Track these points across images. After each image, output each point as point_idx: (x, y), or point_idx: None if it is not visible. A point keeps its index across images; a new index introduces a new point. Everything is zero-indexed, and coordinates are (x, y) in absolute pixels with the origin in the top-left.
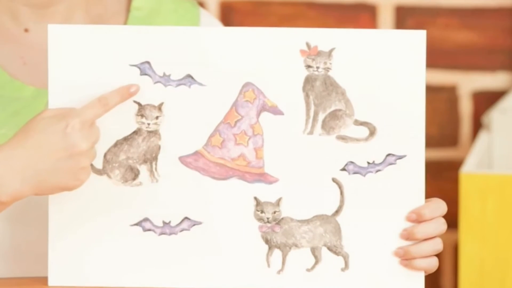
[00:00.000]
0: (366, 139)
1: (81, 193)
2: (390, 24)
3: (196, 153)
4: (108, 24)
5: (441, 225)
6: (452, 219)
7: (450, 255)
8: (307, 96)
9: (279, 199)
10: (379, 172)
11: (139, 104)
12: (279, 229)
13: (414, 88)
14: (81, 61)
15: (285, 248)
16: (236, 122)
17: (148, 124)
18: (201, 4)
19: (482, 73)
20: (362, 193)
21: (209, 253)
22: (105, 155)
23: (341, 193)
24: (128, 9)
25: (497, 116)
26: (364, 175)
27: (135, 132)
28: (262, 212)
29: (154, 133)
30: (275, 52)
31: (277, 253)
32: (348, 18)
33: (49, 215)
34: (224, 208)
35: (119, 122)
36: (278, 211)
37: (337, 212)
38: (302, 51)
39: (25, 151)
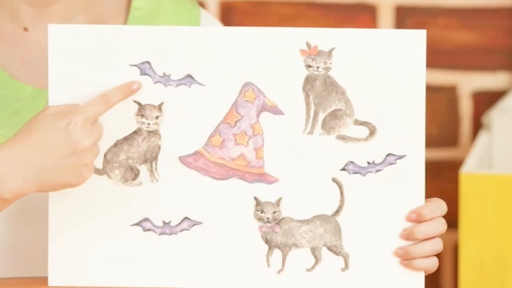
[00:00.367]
0: (366, 139)
1: (81, 193)
2: (390, 24)
3: (196, 153)
4: (108, 24)
5: (441, 225)
6: (452, 219)
7: (450, 255)
8: (307, 96)
9: (279, 199)
10: (379, 172)
11: (139, 104)
12: (279, 229)
13: (414, 88)
14: (81, 61)
15: (285, 248)
16: (236, 122)
17: (148, 124)
18: (201, 4)
19: (482, 73)
20: (362, 193)
21: (209, 253)
22: (105, 155)
23: (341, 193)
24: (128, 9)
25: (497, 116)
26: (364, 175)
27: (135, 132)
28: (262, 212)
29: (154, 133)
30: (275, 52)
31: (277, 253)
32: (348, 18)
33: (49, 215)
34: (224, 208)
35: (119, 122)
36: (278, 211)
37: (337, 212)
38: (302, 51)
39: (27, 149)
